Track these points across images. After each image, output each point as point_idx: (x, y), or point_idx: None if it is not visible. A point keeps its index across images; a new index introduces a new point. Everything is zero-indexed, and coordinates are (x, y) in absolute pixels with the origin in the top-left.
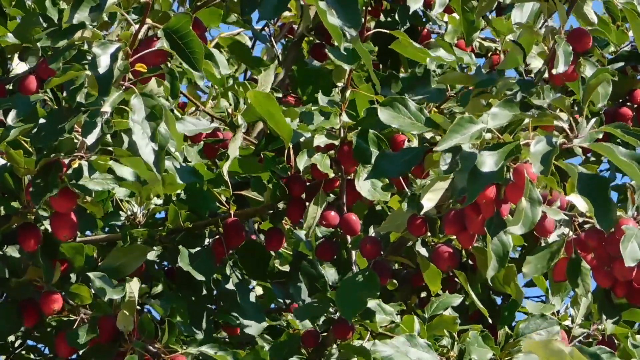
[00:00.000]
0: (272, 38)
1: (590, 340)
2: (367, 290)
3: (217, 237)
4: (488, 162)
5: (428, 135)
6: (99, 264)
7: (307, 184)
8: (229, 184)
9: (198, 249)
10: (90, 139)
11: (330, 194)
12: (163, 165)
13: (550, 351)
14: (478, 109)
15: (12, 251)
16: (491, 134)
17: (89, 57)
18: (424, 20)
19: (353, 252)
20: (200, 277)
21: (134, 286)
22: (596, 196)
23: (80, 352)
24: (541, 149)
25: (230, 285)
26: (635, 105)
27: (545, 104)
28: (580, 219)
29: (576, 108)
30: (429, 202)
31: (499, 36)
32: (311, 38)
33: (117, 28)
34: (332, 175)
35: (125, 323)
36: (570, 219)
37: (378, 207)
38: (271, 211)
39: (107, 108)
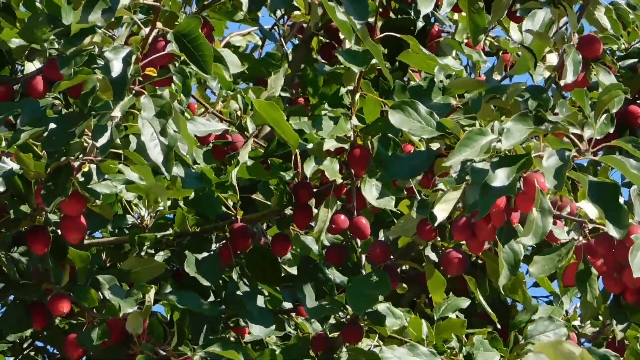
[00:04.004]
0: (282, 38)
1: (600, 339)
2: (378, 289)
3: (224, 242)
4: (500, 176)
5: (434, 146)
6: (108, 265)
7: (315, 190)
8: (237, 190)
9: (205, 254)
10: (101, 142)
11: (337, 201)
12: (172, 166)
13: (560, 352)
14: (489, 115)
15: (22, 253)
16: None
17: (99, 62)
18: (432, 20)
19: (363, 256)
20: (206, 283)
21: (151, 294)
22: (607, 203)
23: (90, 355)
24: (554, 164)
25: (237, 290)
26: None
27: (558, 119)
28: (590, 226)
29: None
30: (441, 212)
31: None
32: (321, 37)
33: (125, 30)
34: (340, 181)
35: (135, 326)
36: (580, 224)
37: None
38: (278, 217)
39: (117, 113)
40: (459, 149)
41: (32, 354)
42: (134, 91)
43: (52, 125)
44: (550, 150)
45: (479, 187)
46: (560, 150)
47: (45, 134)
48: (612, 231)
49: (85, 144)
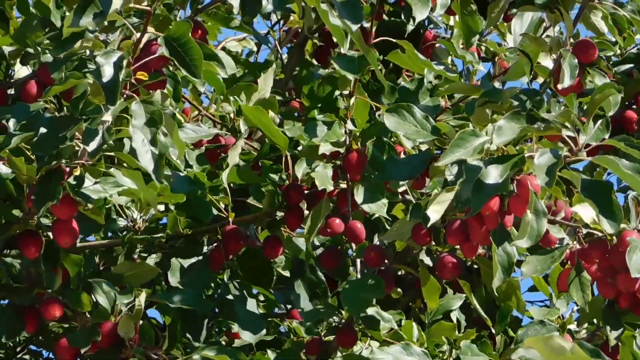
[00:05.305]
0: (278, 43)
1: (594, 342)
2: (373, 292)
3: (216, 244)
4: (493, 173)
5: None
6: (102, 268)
7: (306, 192)
8: (228, 192)
9: (194, 260)
10: (92, 147)
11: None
12: (162, 173)
13: (551, 347)
14: (483, 119)
15: (14, 257)
16: (496, 144)
17: (90, 66)
18: (426, 23)
19: (358, 260)
20: (191, 292)
21: (142, 298)
22: (601, 198)
23: (81, 358)
24: (545, 161)
25: (228, 294)
26: None
27: (551, 118)
28: (585, 231)
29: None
30: (435, 214)
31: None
32: (315, 41)
33: (118, 34)
34: (331, 188)
35: (127, 330)
36: (575, 229)
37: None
38: (269, 219)
39: (108, 117)
40: (451, 149)
41: (26, 357)
42: (125, 95)
43: (42, 130)
44: (543, 149)
45: (472, 184)
46: (553, 149)
47: (36, 138)
48: (606, 226)
49: (77, 148)
